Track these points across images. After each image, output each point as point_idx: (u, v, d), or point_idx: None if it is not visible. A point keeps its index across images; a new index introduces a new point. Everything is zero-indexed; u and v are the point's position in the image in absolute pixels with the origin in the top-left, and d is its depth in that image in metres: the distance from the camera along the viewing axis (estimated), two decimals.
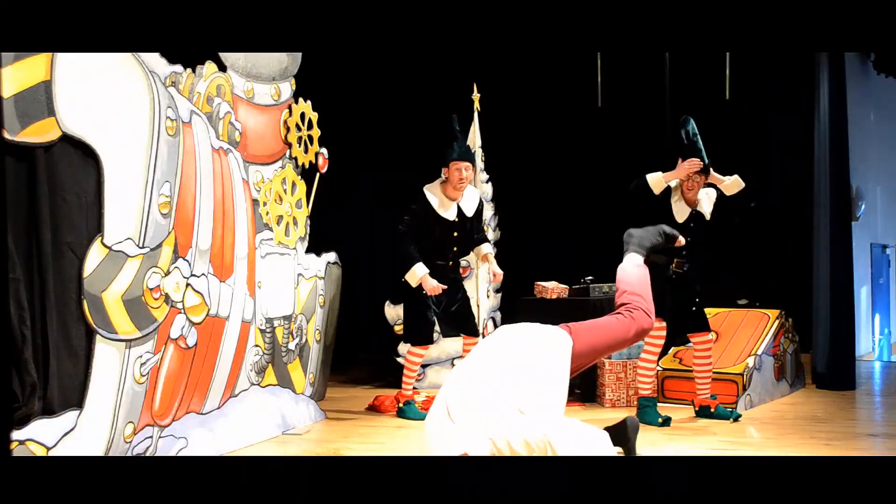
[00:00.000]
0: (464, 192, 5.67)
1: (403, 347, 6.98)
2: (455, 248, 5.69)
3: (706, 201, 5.43)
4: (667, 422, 5.29)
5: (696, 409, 5.56)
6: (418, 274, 5.44)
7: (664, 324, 5.40)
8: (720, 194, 5.45)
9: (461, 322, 5.84)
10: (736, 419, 5.38)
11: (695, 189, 5.33)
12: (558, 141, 8.40)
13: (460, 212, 5.67)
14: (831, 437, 4.89)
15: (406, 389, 5.73)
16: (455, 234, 5.65)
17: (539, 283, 6.70)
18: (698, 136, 5.36)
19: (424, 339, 5.72)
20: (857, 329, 7.35)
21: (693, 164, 5.23)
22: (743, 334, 6.27)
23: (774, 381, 6.23)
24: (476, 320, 6.01)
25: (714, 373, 5.75)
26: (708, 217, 5.42)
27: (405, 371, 5.78)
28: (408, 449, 4.77)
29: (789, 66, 7.61)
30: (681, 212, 5.38)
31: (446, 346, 7.01)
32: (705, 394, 5.51)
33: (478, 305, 7.04)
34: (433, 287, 5.45)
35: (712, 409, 5.49)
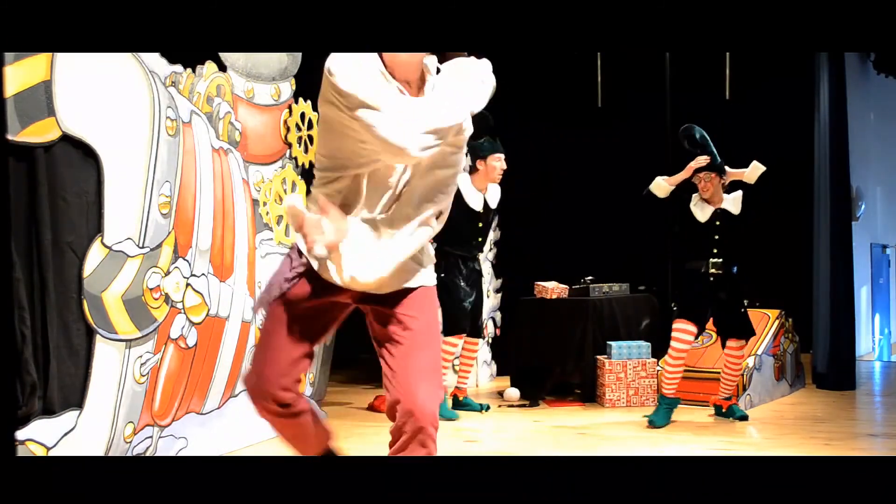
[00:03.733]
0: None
1: None
2: (479, 240, 5.73)
3: (731, 201, 5.40)
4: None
5: (714, 407, 5.61)
6: None
7: (693, 327, 5.29)
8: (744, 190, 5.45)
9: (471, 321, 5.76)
10: (741, 418, 5.40)
11: (709, 190, 5.29)
12: (558, 141, 8.39)
13: (486, 204, 5.71)
14: (831, 437, 4.90)
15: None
16: (480, 224, 5.68)
17: (539, 283, 6.70)
18: (707, 138, 5.34)
19: (458, 330, 5.67)
20: (857, 329, 7.35)
21: (698, 161, 5.22)
22: None
23: (774, 381, 6.23)
24: (482, 322, 5.98)
25: (714, 373, 5.76)
26: (736, 213, 5.37)
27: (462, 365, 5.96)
28: None
29: (789, 66, 7.61)
30: (702, 213, 5.37)
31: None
32: (727, 394, 5.56)
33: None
34: None
35: (724, 409, 5.51)
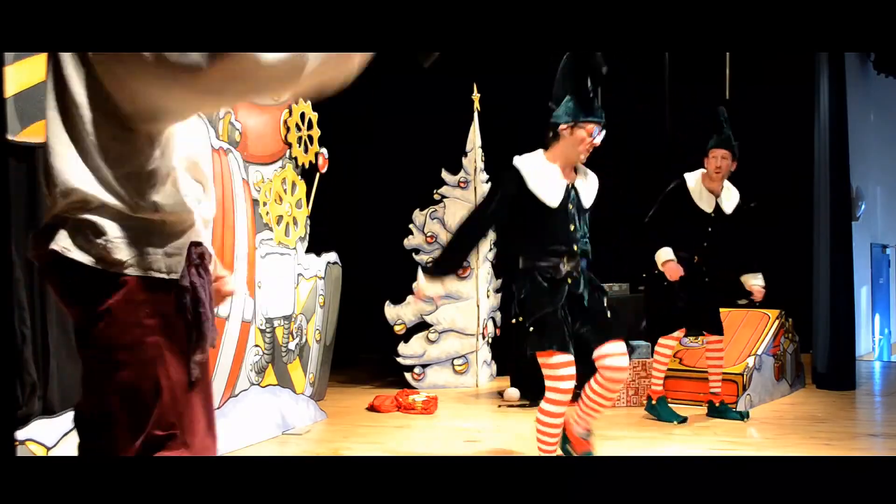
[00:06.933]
0: (724, 186, 5.38)
1: (403, 347, 7.00)
2: (705, 244, 5.36)
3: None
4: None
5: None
6: (663, 257, 5.32)
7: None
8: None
9: (703, 319, 5.48)
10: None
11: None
12: None
13: (718, 207, 5.37)
14: (831, 437, 4.90)
15: (656, 384, 5.56)
16: (709, 228, 5.35)
17: None
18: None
19: (668, 329, 5.47)
20: (857, 329, 7.35)
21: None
22: (743, 334, 6.27)
23: (774, 381, 6.23)
24: (721, 320, 5.62)
25: None
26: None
27: (654, 364, 5.58)
28: (408, 449, 4.78)
29: (789, 66, 7.61)
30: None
31: (446, 346, 7.01)
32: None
33: (478, 305, 7.04)
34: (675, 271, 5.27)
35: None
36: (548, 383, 3.75)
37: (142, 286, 1.68)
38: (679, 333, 5.48)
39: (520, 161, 3.87)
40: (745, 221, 5.46)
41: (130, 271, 1.67)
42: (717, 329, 5.47)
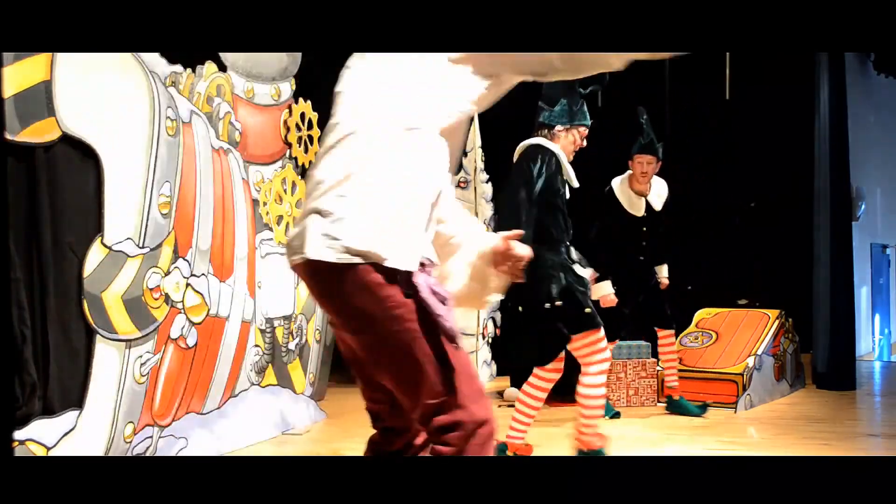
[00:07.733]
0: (652, 186, 5.48)
1: None
2: (644, 244, 5.49)
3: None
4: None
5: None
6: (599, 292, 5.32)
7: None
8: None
9: (652, 316, 5.65)
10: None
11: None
12: None
13: (649, 207, 5.48)
14: (831, 437, 4.90)
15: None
16: (644, 228, 5.48)
17: None
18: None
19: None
20: (857, 329, 7.35)
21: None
22: (743, 334, 6.27)
23: (774, 381, 6.23)
24: (668, 312, 5.74)
25: (714, 373, 5.77)
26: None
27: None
28: None
29: (789, 66, 7.61)
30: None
31: None
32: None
33: None
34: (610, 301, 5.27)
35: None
36: (591, 359, 3.99)
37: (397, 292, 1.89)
38: (611, 345, 5.54)
39: (549, 143, 4.00)
40: (670, 218, 5.58)
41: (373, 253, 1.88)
42: (667, 323, 5.63)
